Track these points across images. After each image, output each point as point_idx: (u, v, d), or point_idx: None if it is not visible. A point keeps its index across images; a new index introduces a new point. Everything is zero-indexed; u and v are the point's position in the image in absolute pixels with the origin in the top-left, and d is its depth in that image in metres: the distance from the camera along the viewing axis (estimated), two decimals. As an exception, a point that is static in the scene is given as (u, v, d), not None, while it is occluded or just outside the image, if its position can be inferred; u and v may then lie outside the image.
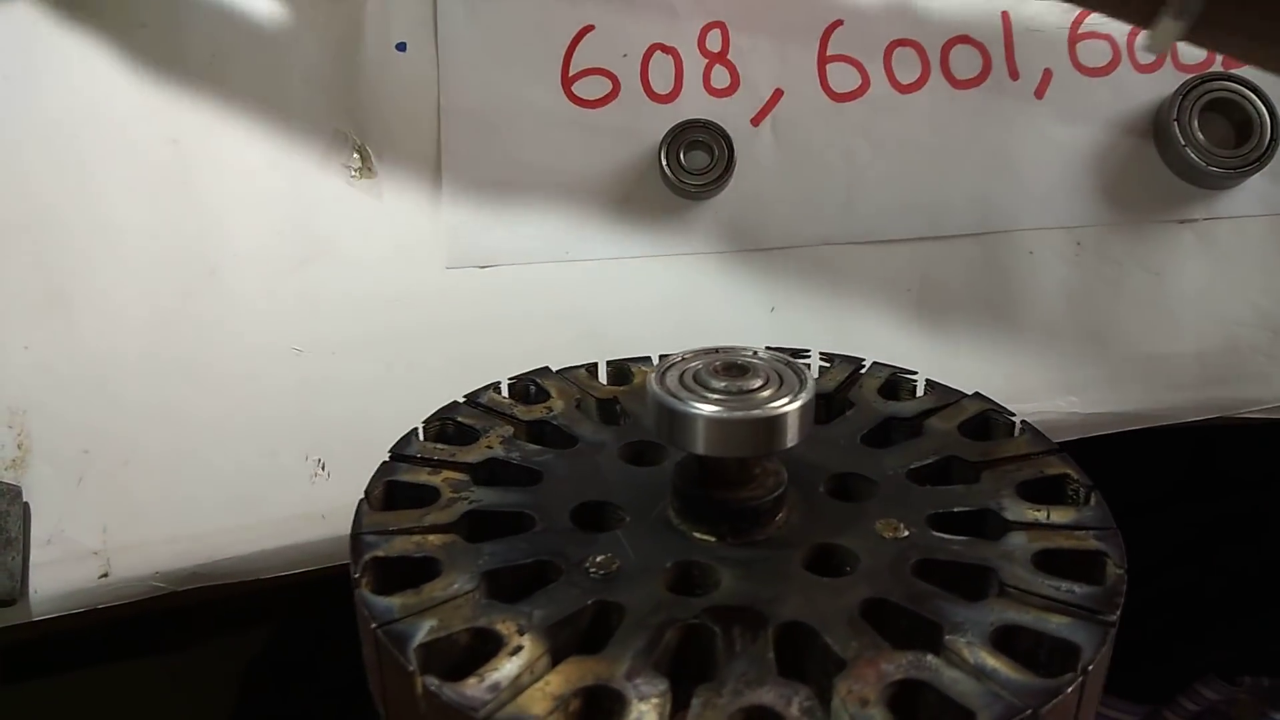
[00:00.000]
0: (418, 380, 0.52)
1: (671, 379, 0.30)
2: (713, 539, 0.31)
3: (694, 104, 0.55)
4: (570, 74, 0.55)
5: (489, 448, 0.36)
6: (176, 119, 0.53)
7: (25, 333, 0.51)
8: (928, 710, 0.25)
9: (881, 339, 0.53)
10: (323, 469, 0.50)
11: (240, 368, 0.52)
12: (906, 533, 0.31)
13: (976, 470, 0.34)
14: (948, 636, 0.26)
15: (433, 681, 0.25)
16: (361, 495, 0.33)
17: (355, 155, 0.53)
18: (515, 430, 0.37)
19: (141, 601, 0.49)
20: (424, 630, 0.27)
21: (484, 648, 0.27)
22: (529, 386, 0.41)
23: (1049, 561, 0.30)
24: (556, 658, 0.26)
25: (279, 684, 0.79)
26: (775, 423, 0.28)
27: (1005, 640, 0.26)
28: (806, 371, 0.30)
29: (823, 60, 0.55)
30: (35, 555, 0.48)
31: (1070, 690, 0.25)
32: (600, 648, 0.26)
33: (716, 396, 0.29)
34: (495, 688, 0.25)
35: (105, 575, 0.48)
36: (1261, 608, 0.78)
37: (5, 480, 0.48)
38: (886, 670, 0.25)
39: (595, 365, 0.43)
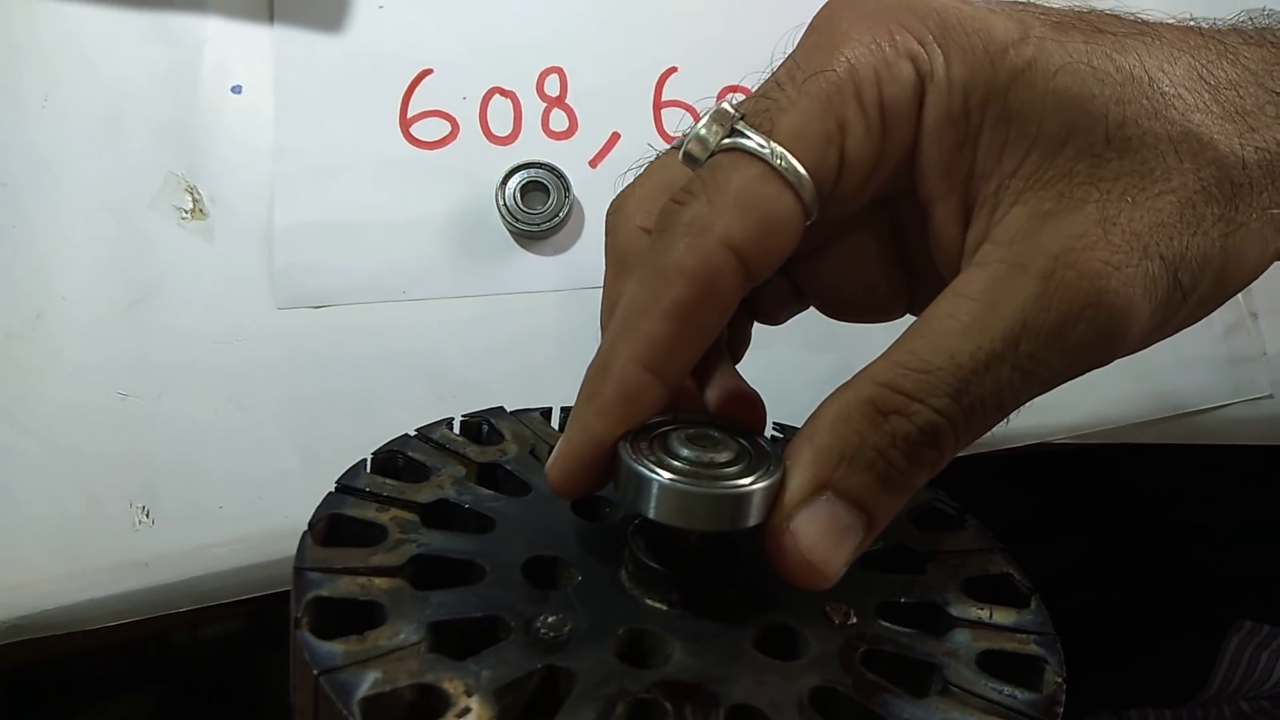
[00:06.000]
0: (246, 424, 0.52)
1: (642, 442, 0.30)
2: (664, 607, 0.31)
3: (533, 146, 0.57)
4: (409, 116, 0.56)
5: (440, 487, 0.35)
6: (6, 162, 0.53)
7: None
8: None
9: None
10: (147, 516, 0.49)
11: (64, 412, 0.51)
12: (854, 620, 0.31)
13: (923, 561, 0.35)
14: (895, 734, 0.27)
15: (376, 739, 0.24)
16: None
17: (187, 196, 0.53)
18: (467, 471, 0.37)
19: (16, 662, 0.47)
20: (368, 682, 0.26)
21: (429, 705, 0.26)
22: (482, 426, 0.40)
23: (991, 662, 0.30)
24: (503, 723, 0.25)
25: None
26: (741, 500, 0.28)
27: (950, 742, 0.27)
28: (778, 450, 0.30)
29: (658, 105, 0.58)
30: None
31: (1012, 800, 0.25)
32: (546, 714, 0.26)
33: (683, 466, 0.29)
34: (441, 752, 0.24)
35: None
36: (1149, 641, 0.81)
37: None
38: (835, 765, 0.25)
39: (550, 410, 0.43)
